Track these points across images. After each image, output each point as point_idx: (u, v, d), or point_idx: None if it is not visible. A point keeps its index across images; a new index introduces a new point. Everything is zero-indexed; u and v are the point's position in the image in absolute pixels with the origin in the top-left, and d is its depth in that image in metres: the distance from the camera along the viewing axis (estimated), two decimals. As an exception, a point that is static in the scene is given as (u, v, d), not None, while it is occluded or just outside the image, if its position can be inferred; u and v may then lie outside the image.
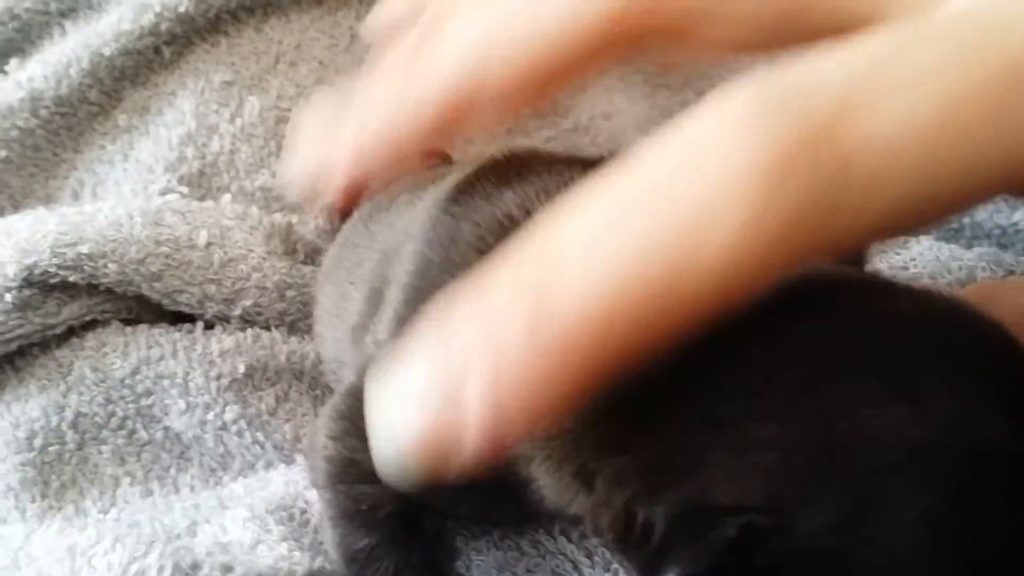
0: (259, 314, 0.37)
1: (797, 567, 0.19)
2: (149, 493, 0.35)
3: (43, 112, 0.42)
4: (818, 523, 0.18)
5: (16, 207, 0.42)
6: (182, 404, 0.35)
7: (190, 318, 0.37)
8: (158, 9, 0.42)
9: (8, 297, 0.35)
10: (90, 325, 0.36)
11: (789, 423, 0.19)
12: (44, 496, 0.34)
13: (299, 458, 0.34)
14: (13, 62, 0.44)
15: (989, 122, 0.15)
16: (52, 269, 0.35)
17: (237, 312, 0.37)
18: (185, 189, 0.41)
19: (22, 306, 0.35)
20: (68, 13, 0.44)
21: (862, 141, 0.15)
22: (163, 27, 0.42)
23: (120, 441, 0.35)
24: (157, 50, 0.42)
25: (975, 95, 0.15)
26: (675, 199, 0.15)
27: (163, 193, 0.41)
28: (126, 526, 0.29)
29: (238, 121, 0.42)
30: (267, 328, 0.37)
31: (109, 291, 0.36)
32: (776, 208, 0.15)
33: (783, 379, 0.20)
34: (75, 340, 0.36)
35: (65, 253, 0.35)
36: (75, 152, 0.43)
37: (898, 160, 0.15)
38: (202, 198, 0.41)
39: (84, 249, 0.35)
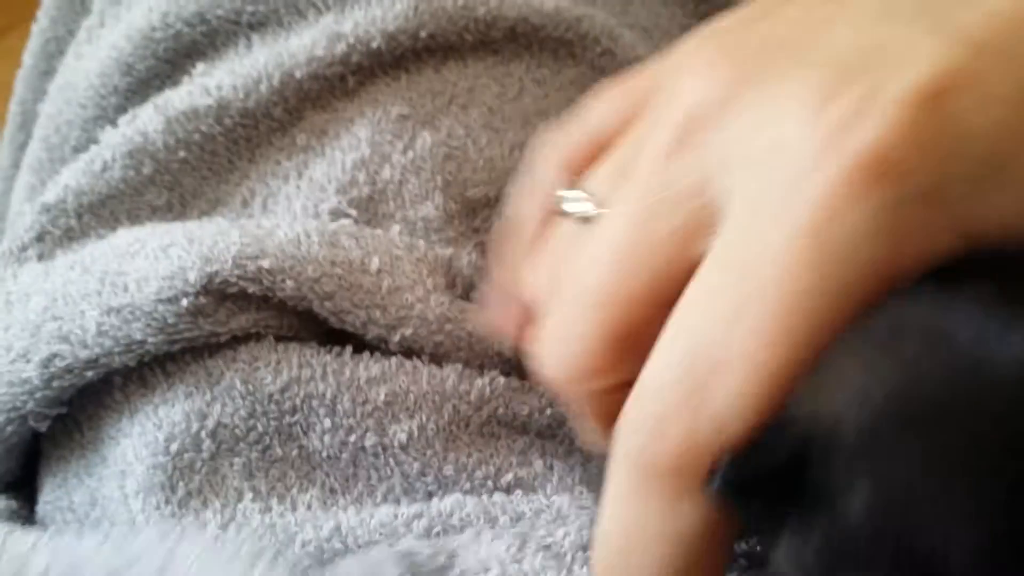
0: (416, 343, 0.39)
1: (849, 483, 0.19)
2: (268, 510, 0.36)
3: (227, 121, 0.44)
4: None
5: (184, 205, 0.44)
6: (327, 424, 0.36)
7: (339, 338, 0.39)
8: (351, 41, 0.44)
9: (184, 302, 0.36)
10: (244, 338, 0.38)
11: (885, 351, 0.20)
12: (168, 502, 0.36)
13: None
14: (200, 67, 0.46)
15: None
16: (232, 279, 0.36)
17: (396, 339, 0.38)
18: (354, 212, 0.42)
19: (195, 312, 0.37)
20: (257, 27, 0.46)
21: None
22: (353, 58, 0.44)
23: (254, 455, 0.37)
24: (343, 78, 0.44)
25: None
26: None
27: (333, 213, 0.42)
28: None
29: (409, 153, 0.44)
30: (418, 357, 0.39)
31: (278, 306, 0.38)
32: None
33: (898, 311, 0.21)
34: (228, 351, 0.38)
35: (247, 265, 0.36)
36: (250, 162, 0.45)
37: None
38: (368, 222, 0.43)
39: (265, 264, 0.37)
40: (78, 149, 0.50)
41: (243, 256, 0.37)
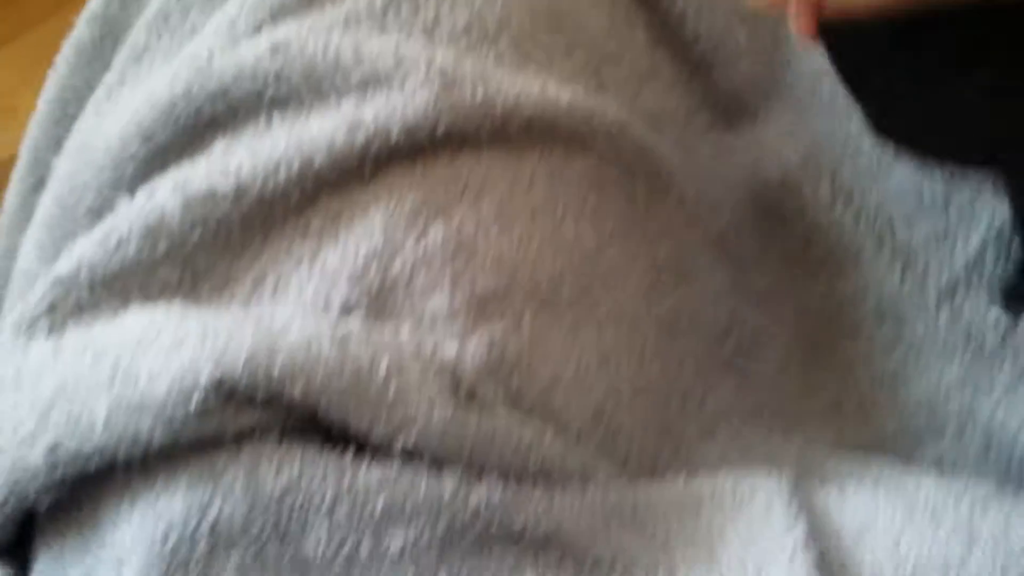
0: (418, 448, 0.39)
1: None
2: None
3: (245, 204, 0.44)
4: None
5: (196, 282, 0.45)
6: (324, 529, 0.37)
7: (341, 436, 0.39)
8: (371, 131, 0.44)
9: (194, 402, 0.36)
10: (248, 433, 0.38)
11: None
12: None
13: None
14: (220, 143, 0.47)
15: None
16: (243, 384, 0.37)
17: (399, 444, 0.39)
18: (364, 304, 0.43)
19: (204, 411, 0.37)
20: (279, 105, 0.47)
21: None
22: (372, 148, 0.45)
23: (249, 556, 0.36)
24: (360, 165, 0.45)
25: None
26: None
27: (343, 304, 0.43)
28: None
29: (421, 245, 0.45)
30: (419, 459, 0.39)
31: (284, 406, 0.38)
32: None
33: None
34: (232, 447, 0.38)
35: (258, 371, 0.37)
36: (264, 242, 0.45)
37: None
38: (378, 314, 0.43)
39: (276, 371, 0.37)
40: (93, 211, 0.50)
41: (254, 360, 0.37)
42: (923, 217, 0.53)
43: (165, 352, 0.38)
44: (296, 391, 0.37)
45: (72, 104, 0.59)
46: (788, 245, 0.57)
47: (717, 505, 0.42)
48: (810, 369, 0.56)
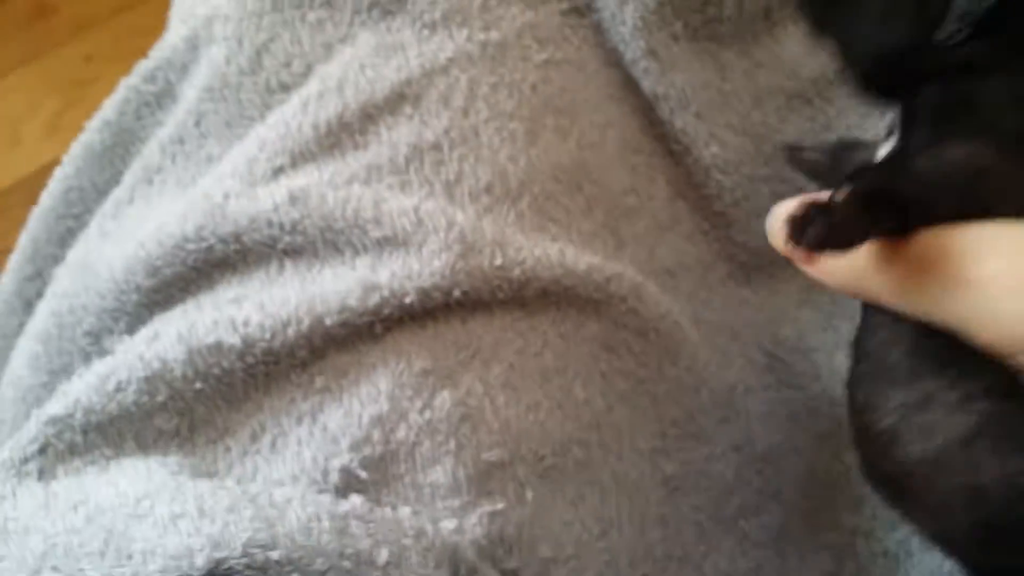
0: None
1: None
2: None
3: (250, 359, 0.43)
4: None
5: (192, 432, 0.44)
6: None
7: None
8: (386, 294, 0.43)
9: None
10: None
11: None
12: None
13: None
14: (230, 288, 0.46)
15: None
16: (239, 567, 0.36)
17: None
18: (364, 474, 0.42)
19: None
20: (292, 254, 0.46)
21: None
22: (385, 310, 0.44)
23: None
24: (371, 325, 0.44)
25: None
26: None
27: (343, 470, 0.42)
28: None
29: (427, 413, 0.44)
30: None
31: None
32: None
33: None
34: None
35: (255, 555, 0.36)
36: (265, 395, 0.44)
37: None
38: (376, 483, 0.42)
39: (275, 555, 0.36)
40: (91, 334, 0.49)
41: (253, 544, 0.36)
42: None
43: (162, 527, 0.37)
44: None
45: (76, 204, 0.57)
46: (796, 408, 0.56)
47: None
48: (811, 536, 0.55)
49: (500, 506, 0.43)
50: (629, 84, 0.57)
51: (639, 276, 0.51)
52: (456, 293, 0.45)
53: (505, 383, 0.46)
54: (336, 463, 0.42)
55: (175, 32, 0.55)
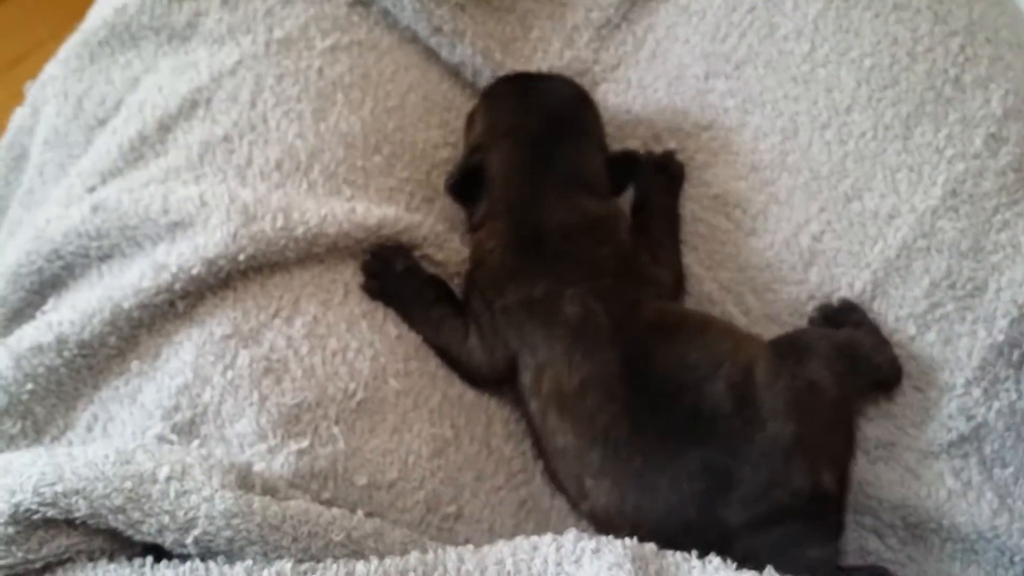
0: (210, 542, 0.40)
1: None
2: None
3: (67, 353, 0.47)
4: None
5: (38, 432, 0.48)
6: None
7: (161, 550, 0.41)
8: (174, 270, 0.47)
9: None
10: (58, 563, 0.40)
11: None
12: None
13: None
14: (51, 301, 0.51)
15: None
16: (34, 507, 0.39)
17: (189, 541, 0.40)
18: (175, 437, 0.45)
19: (8, 541, 0.39)
20: (105, 259, 0.51)
21: None
22: (177, 286, 0.47)
23: None
24: (172, 303, 0.48)
25: None
26: None
27: (158, 439, 0.45)
28: None
29: (229, 373, 0.47)
30: (214, 559, 0.40)
31: (84, 528, 0.40)
32: None
33: None
34: (45, 574, 0.40)
35: (44, 492, 0.39)
36: (94, 388, 0.48)
37: None
38: (190, 443, 0.45)
39: (60, 488, 0.39)
40: None
41: (42, 483, 0.39)
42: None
43: None
44: (81, 505, 0.39)
45: None
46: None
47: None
48: None
49: (305, 444, 0.45)
50: (434, 53, 0.61)
51: (442, 224, 0.54)
52: (242, 258, 0.48)
53: (309, 334, 0.48)
54: (151, 433, 0.45)
55: (27, 101, 0.62)
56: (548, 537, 0.42)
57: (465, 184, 0.55)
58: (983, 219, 0.54)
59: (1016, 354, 0.51)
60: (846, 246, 0.55)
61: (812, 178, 0.56)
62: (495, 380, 0.52)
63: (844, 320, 0.53)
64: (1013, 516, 0.49)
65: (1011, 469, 0.50)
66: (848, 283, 0.54)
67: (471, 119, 0.59)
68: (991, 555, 0.49)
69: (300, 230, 0.49)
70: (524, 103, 0.56)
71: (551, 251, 0.52)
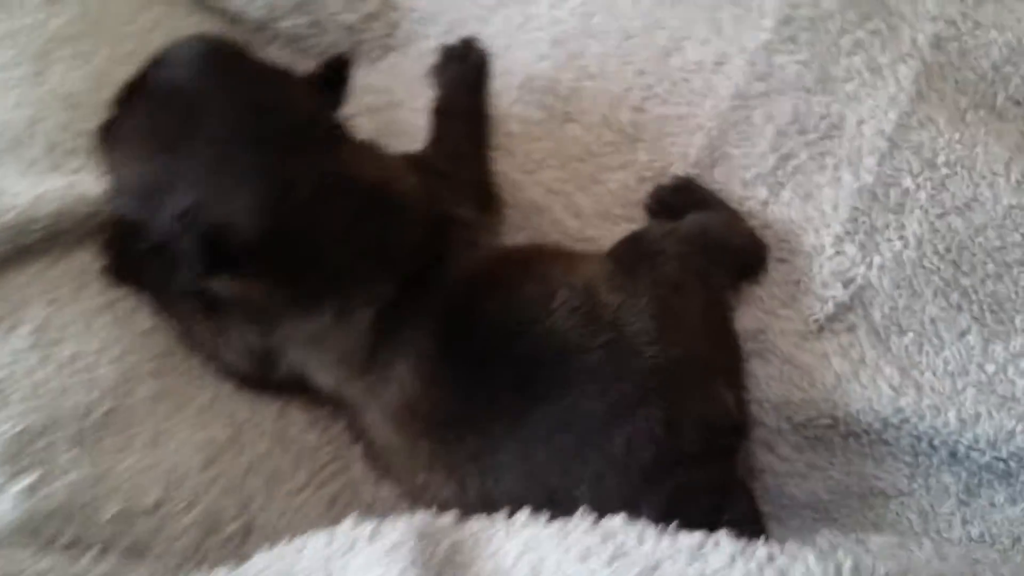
0: None
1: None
2: None
3: None
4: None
5: None
6: None
7: None
8: None
9: None
10: None
11: None
12: None
13: None
14: None
15: None
16: None
17: None
18: None
19: None
20: None
21: None
22: None
23: None
24: None
25: None
26: None
27: None
28: None
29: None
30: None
31: None
32: None
33: None
34: None
35: None
36: None
37: None
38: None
39: None
40: None
41: None
42: None
43: None
44: None
45: None
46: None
47: None
48: None
49: (34, 478, 0.37)
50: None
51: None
52: None
53: (36, 343, 0.40)
54: None
55: None
56: (322, 532, 0.34)
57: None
58: (828, 44, 0.45)
59: (894, 194, 0.42)
60: (672, 110, 0.46)
61: (623, 39, 0.47)
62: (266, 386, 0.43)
63: (684, 202, 0.44)
64: (921, 392, 0.40)
65: (910, 335, 0.41)
66: (681, 153, 0.45)
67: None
68: (906, 443, 0.40)
69: (10, 216, 0.41)
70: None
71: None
